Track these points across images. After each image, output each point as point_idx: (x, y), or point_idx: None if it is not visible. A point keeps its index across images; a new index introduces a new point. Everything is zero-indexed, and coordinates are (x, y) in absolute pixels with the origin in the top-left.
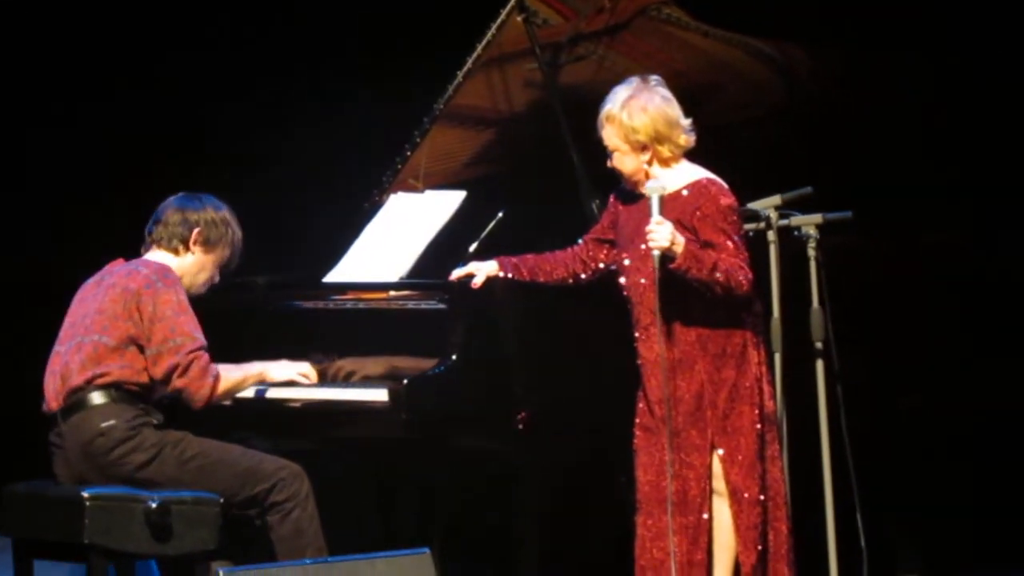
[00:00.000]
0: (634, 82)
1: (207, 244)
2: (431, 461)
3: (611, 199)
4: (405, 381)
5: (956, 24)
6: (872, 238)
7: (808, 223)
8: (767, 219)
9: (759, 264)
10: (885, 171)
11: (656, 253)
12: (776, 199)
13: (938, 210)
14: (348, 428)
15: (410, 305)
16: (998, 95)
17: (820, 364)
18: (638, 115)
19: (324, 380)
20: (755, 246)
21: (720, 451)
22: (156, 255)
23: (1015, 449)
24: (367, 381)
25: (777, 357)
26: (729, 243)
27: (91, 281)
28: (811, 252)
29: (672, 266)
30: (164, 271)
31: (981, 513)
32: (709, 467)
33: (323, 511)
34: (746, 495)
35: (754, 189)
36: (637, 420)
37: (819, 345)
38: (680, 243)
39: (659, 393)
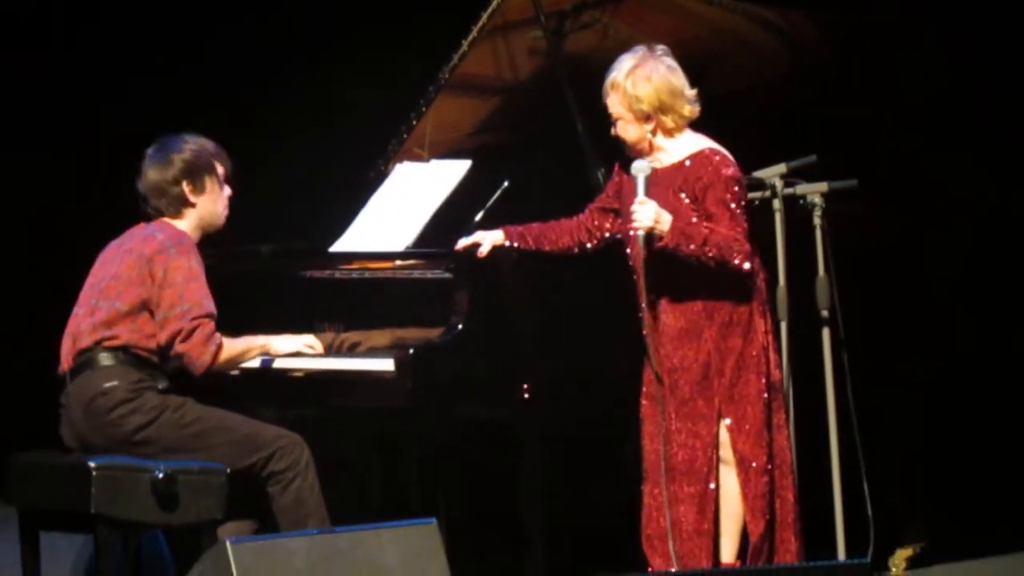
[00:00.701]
0: (640, 51)
1: (199, 186)
2: (437, 430)
3: (615, 168)
4: (411, 350)
5: None
6: (877, 206)
7: (813, 191)
8: (772, 188)
9: (765, 233)
10: (890, 139)
11: (641, 233)
12: (781, 167)
13: (943, 177)
14: (354, 398)
15: (416, 274)
16: (1004, 60)
17: (826, 332)
18: (642, 84)
19: (329, 350)
20: (760, 215)
21: (727, 420)
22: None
23: (1019, 417)
24: (373, 351)
25: (783, 326)
26: (727, 215)
27: (114, 243)
28: (816, 220)
29: (659, 244)
30: (179, 237)
31: (986, 481)
32: (716, 436)
33: (329, 483)
34: (754, 464)
35: (759, 158)
36: (643, 389)
37: (825, 313)
38: (665, 222)
39: (664, 364)
